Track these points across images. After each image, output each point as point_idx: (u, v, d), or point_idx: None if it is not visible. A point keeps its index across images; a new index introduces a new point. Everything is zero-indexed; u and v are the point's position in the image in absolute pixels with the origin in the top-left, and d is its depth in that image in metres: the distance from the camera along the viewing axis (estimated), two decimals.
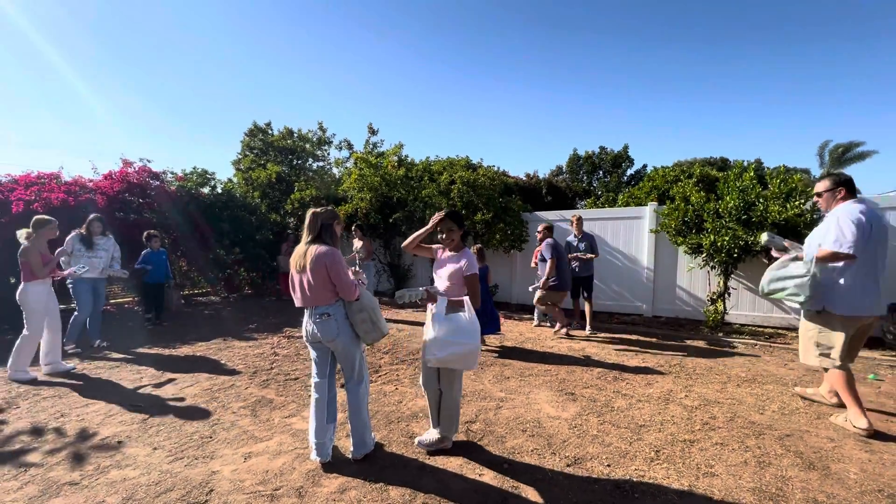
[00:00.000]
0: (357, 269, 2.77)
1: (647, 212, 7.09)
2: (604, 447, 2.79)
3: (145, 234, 6.51)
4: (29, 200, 6.46)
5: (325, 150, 12.62)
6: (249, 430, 3.07)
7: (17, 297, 4.13)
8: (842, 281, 2.95)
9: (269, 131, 12.06)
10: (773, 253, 3.40)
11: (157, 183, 8.10)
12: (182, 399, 3.63)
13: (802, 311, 3.25)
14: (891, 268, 5.44)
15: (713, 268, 6.08)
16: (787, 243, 3.34)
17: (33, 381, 4.07)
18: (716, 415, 3.28)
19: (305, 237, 2.59)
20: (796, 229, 5.27)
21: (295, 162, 11.88)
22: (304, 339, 2.65)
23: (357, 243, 7.00)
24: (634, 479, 2.41)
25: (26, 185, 6.83)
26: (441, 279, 2.72)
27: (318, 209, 2.63)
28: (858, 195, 3.12)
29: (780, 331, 6.00)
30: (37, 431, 3.05)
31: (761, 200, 5.57)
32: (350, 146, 12.70)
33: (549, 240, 5.63)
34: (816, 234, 3.15)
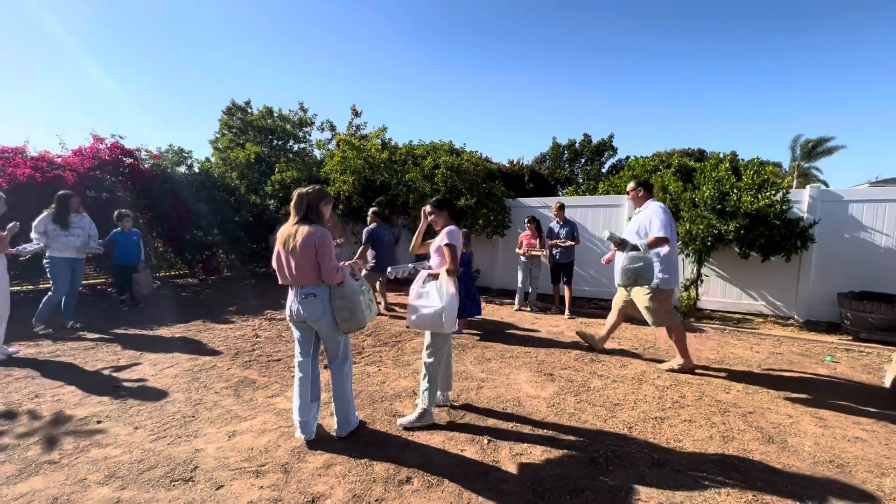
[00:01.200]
0: (352, 261, 2.79)
1: (626, 200, 7.24)
2: (580, 424, 2.91)
3: (116, 213, 6.25)
4: None
5: (307, 132, 12.35)
6: (233, 409, 3.08)
7: None
8: (669, 263, 3.83)
9: (249, 110, 11.71)
10: (613, 247, 3.93)
11: (131, 160, 7.82)
12: (162, 380, 3.60)
13: (636, 287, 3.92)
14: (851, 259, 5.77)
15: (687, 255, 6.29)
16: (622, 237, 3.86)
17: (7, 359, 3.98)
18: (685, 394, 3.45)
19: (292, 217, 2.57)
20: (767, 219, 5.49)
21: (275, 142, 11.60)
22: (288, 318, 2.65)
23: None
24: (608, 454, 2.54)
25: None
26: (433, 256, 2.91)
27: (305, 189, 2.61)
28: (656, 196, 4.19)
29: (747, 316, 6.29)
30: (10, 412, 3.00)
31: (735, 191, 5.76)
32: (333, 128, 12.47)
33: (370, 226, 5.98)
34: (634, 225, 3.95)
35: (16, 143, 6.93)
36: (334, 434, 2.68)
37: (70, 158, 7.19)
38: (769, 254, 5.74)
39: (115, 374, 3.72)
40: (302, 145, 12.42)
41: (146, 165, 8.21)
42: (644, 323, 5.84)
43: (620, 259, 3.90)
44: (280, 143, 11.75)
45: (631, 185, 4.11)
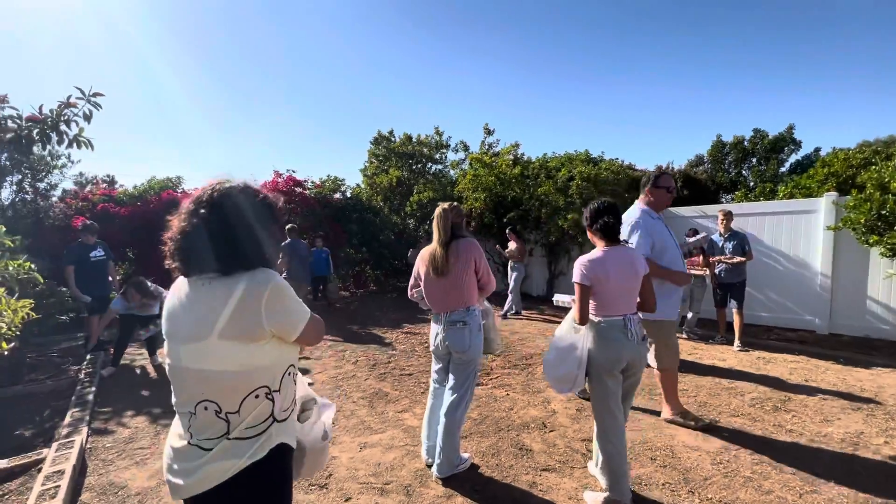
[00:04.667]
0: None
1: (823, 204, 5.72)
2: (762, 494, 2.25)
3: (315, 236, 8.13)
4: None
5: (443, 153, 13.04)
6: (366, 420, 3.22)
7: None
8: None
9: (392, 138, 12.93)
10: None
11: (300, 190, 9.23)
12: (312, 385, 4.00)
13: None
14: None
15: None
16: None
17: None
18: None
19: (438, 237, 2.39)
20: None
21: (414, 166, 12.51)
22: (433, 350, 2.55)
23: (511, 245, 7.08)
24: None
25: None
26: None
27: (446, 205, 2.44)
28: None
29: None
30: None
31: None
32: (466, 148, 12.89)
33: (286, 241, 6.17)
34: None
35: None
36: (434, 473, 2.43)
37: None
38: None
39: None
40: (439, 167, 13.14)
41: (311, 194, 9.60)
42: (857, 363, 4.43)
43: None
44: (419, 166, 12.63)
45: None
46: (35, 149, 4.65)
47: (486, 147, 12.23)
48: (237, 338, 1.04)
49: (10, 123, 4.20)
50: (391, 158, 12.59)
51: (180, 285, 1.14)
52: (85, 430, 2.99)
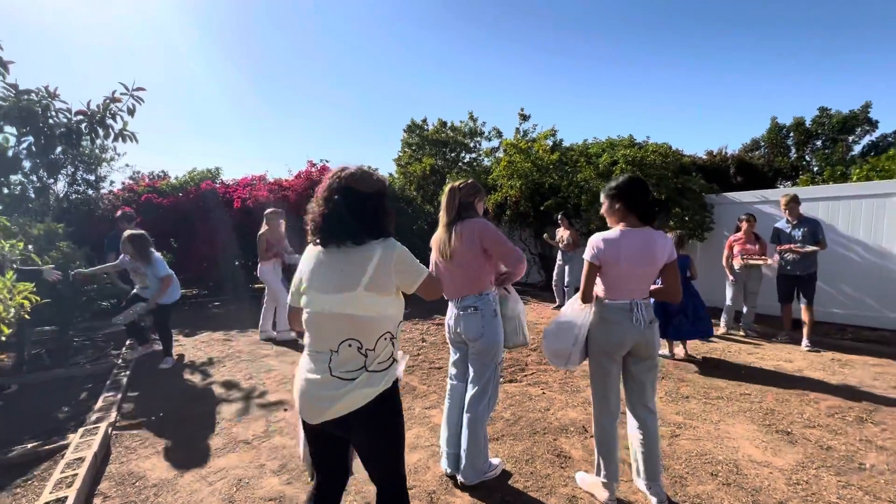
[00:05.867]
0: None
1: None
2: None
3: None
4: (244, 198, 8.01)
5: (478, 141, 12.70)
6: None
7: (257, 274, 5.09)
8: None
9: (425, 127, 12.72)
10: None
11: None
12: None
13: None
14: None
15: None
16: None
17: (272, 340, 5.00)
18: None
19: (444, 218, 2.24)
20: None
21: (448, 155, 12.25)
22: (447, 335, 2.38)
23: (563, 232, 6.72)
24: None
25: (244, 186, 8.49)
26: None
27: (457, 183, 2.27)
28: None
29: None
30: (229, 384, 3.61)
31: None
32: (499, 134, 12.49)
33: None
34: None
35: (259, 172, 8.89)
36: (460, 479, 2.21)
37: (292, 181, 8.86)
38: None
39: None
40: (473, 155, 12.82)
41: None
42: None
43: None
44: (453, 154, 12.37)
45: None
46: (84, 142, 4.76)
47: (522, 133, 11.77)
48: (376, 290, 1.35)
49: (61, 117, 4.31)
50: (424, 147, 12.39)
51: (315, 250, 1.45)
52: (113, 416, 2.99)
